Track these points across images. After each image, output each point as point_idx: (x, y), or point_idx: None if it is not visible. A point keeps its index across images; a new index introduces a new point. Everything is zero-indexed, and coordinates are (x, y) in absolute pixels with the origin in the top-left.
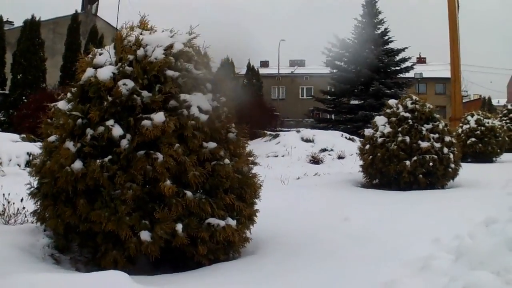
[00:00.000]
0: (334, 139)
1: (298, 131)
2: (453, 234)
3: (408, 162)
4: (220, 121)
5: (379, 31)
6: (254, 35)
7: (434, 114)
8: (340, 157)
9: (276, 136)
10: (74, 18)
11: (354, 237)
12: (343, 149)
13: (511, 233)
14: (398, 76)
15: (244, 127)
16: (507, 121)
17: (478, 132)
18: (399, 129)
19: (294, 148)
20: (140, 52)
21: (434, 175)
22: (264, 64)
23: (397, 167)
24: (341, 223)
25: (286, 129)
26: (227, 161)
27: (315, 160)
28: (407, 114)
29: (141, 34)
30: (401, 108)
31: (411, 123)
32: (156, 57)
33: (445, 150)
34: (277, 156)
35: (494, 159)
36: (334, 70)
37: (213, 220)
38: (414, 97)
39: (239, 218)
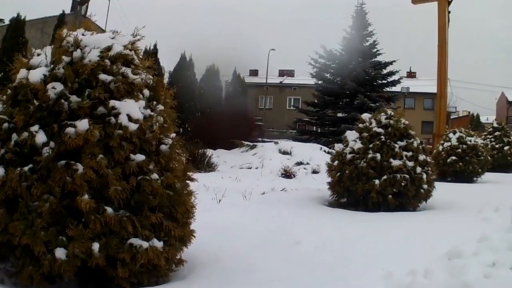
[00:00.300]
0: (313, 152)
1: (276, 143)
2: (409, 269)
3: (377, 181)
4: (151, 131)
5: (367, 44)
6: (246, 44)
7: (410, 130)
8: (314, 172)
9: (254, 147)
10: (60, 18)
11: (299, 264)
12: (319, 163)
13: (470, 275)
14: (384, 89)
15: (179, 139)
16: (492, 139)
17: (459, 150)
18: (370, 145)
19: (269, 160)
20: (77, 53)
21: (405, 196)
22: (253, 73)
23: (365, 186)
24: (291, 247)
25: (269, 140)
26: (155, 176)
27: (287, 174)
28: (380, 130)
29: (82, 34)
30: (374, 123)
31: (383, 139)
32: (91, 59)
33: (418, 169)
34: (250, 168)
35: (475, 179)
36: (320, 82)
37: (135, 241)
38: (389, 111)
39: (167, 239)
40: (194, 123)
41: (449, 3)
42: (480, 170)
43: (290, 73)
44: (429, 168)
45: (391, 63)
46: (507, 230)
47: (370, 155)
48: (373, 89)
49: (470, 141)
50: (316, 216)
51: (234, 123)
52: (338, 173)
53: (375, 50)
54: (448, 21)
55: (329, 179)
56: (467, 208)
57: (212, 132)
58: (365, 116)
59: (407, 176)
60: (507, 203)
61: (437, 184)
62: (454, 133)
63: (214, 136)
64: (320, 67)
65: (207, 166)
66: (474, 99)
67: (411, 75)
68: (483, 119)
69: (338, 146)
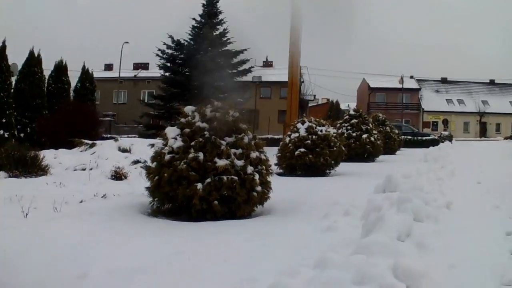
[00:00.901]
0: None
1: (116, 140)
2: None
3: (200, 185)
4: None
5: (217, 32)
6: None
7: (240, 124)
8: None
9: (93, 145)
10: None
11: None
12: None
13: None
14: (235, 79)
15: None
16: (349, 127)
17: (309, 141)
18: (192, 143)
19: (105, 160)
20: None
21: (235, 201)
22: (109, 67)
23: (186, 191)
24: (73, 283)
25: (118, 136)
26: None
27: (118, 176)
28: (204, 125)
29: None
30: (197, 117)
31: (207, 135)
32: None
33: (249, 169)
34: (85, 169)
35: (328, 171)
36: (167, 73)
37: None
38: (216, 103)
39: None
40: (41, 122)
41: None
42: (333, 162)
43: (145, 66)
44: (264, 167)
45: (241, 51)
46: (355, 249)
47: (191, 155)
48: (223, 79)
49: (321, 131)
50: (125, 231)
51: (79, 120)
52: (157, 177)
53: (225, 38)
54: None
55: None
56: (311, 212)
57: (57, 130)
58: (188, 109)
59: (236, 177)
60: (359, 202)
61: (284, 179)
62: (303, 123)
63: (59, 135)
64: (167, 58)
65: (39, 170)
66: (333, 87)
67: (268, 64)
68: (343, 106)
69: (157, 145)
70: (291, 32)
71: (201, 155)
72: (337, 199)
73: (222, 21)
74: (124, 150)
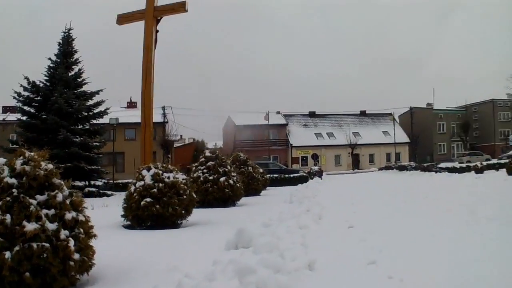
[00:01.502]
0: None
1: None
2: None
3: (8, 254)
4: None
5: (72, 72)
6: None
7: (54, 179)
8: None
9: None
10: None
11: None
12: None
13: None
14: (91, 121)
15: None
16: (205, 170)
17: (155, 190)
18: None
19: None
20: None
21: (49, 272)
22: None
23: None
24: None
25: None
26: None
27: None
28: (13, 181)
29: None
30: (6, 171)
31: (16, 193)
32: None
33: (63, 234)
34: None
35: (179, 222)
36: (25, 117)
37: None
38: (28, 153)
39: None
40: None
41: (158, 21)
42: (184, 211)
43: (14, 109)
44: (81, 230)
45: (97, 92)
46: None
47: None
48: (78, 122)
49: (169, 177)
50: None
51: None
52: None
53: (80, 79)
54: (156, 41)
55: None
56: (140, 282)
57: None
58: None
59: (47, 245)
60: (202, 265)
61: (129, 234)
62: (149, 169)
63: None
64: (24, 100)
65: None
66: (201, 126)
67: (131, 105)
68: (210, 145)
69: None
70: (144, 67)
71: (8, 218)
72: (177, 261)
73: (78, 61)
74: None
